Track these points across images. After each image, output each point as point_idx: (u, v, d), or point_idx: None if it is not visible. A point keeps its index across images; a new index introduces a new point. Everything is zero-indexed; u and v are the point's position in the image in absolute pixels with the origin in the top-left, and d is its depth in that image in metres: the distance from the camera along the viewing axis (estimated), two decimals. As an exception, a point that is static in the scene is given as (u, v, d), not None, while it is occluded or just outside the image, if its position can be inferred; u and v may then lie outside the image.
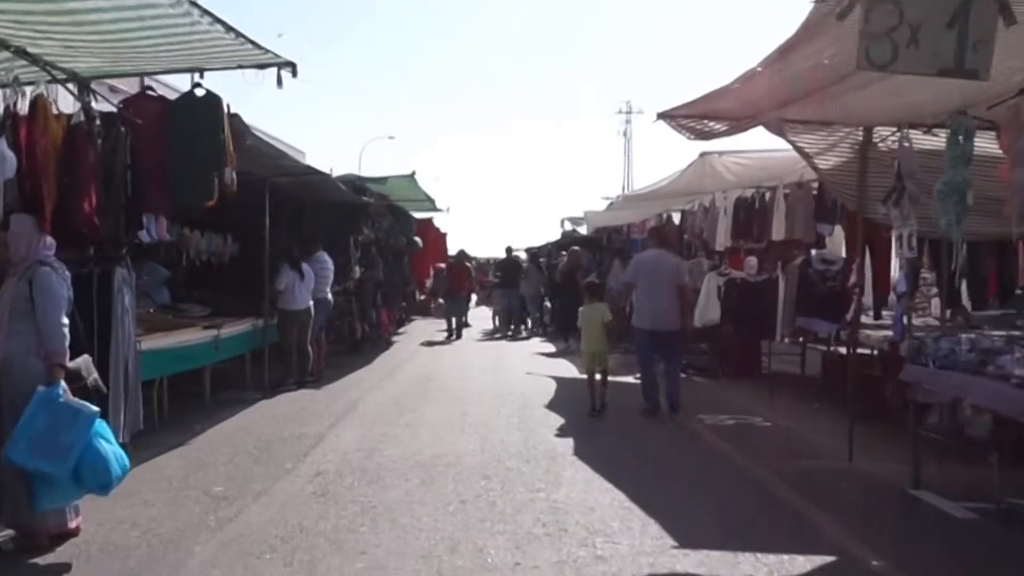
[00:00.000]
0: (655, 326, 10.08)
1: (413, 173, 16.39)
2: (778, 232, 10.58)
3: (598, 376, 10.53)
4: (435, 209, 22.59)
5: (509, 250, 24.23)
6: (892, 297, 8.54)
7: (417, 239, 24.10)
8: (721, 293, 12.43)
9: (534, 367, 15.33)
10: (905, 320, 7.00)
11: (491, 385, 13.00)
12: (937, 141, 6.79)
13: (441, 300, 21.76)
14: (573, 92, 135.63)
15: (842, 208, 9.12)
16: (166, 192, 7.18)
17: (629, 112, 62.99)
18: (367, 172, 21.48)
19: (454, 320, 20.76)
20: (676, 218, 16.23)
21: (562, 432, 9.30)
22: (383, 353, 17.29)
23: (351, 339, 16.57)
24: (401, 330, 23.42)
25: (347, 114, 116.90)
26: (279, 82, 6.45)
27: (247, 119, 8.02)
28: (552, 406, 11.10)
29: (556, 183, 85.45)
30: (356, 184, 16.48)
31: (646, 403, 10.39)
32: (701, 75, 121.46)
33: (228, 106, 7.27)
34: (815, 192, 9.88)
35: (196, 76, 6.96)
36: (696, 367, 14.45)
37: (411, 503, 6.31)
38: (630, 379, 12.63)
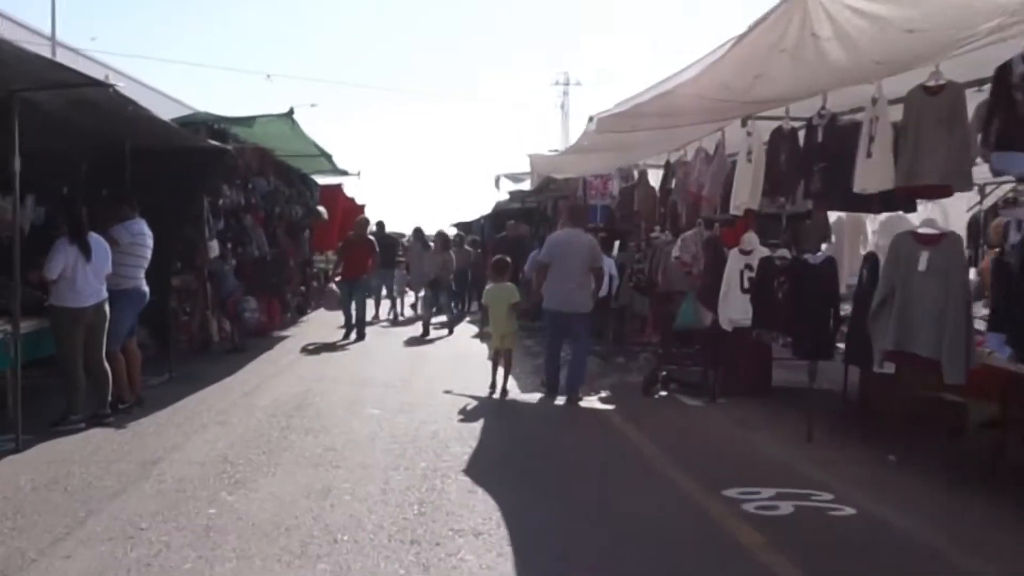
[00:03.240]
0: (565, 307, 9.70)
1: (291, 111, 11.79)
2: (879, 177, 6.11)
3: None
4: (336, 169, 18.00)
5: (381, 225, 19.78)
6: None
7: (321, 208, 19.55)
8: (744, 282, 8.20)
9: (458, 380, 10.99)
10: None
11: (389, 418, 8.65)
12: None
13: (333, 286, 16.90)
14: (508, 61, 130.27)
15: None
16: None
17: (567, 84, 58.78)
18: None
19: (354, 314, 15.47)
20: (654, 177, 11.92)
21: (499, 545, 5.00)
22: (256, 359, 12.74)
23: (203, 342, 12.03)
24: (303, 319, 18.86)
25: (272, 85, 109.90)
26: None
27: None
28: (480, 464, 6.83)
29: (492, 156, 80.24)
30: (213, 127, 11.93)
31: (546, 380, 10.19)
32: (646, 50, 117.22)
33: None
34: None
35: None
36: (682, 382, 10.32)
37: None
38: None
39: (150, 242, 9.09)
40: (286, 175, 16.75)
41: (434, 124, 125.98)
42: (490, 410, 9.19)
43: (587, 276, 9.67)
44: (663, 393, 10.29)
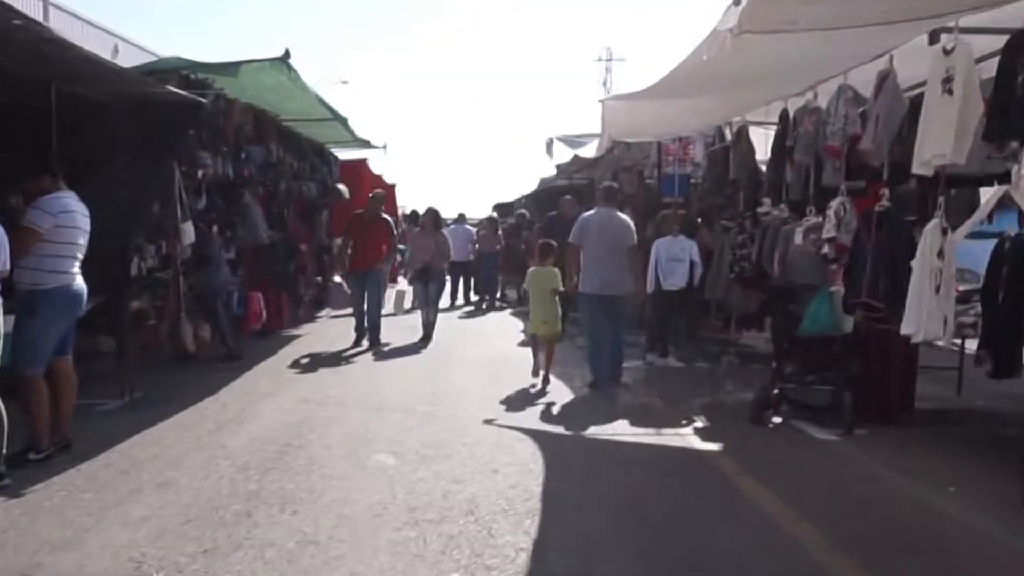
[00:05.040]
0: (603, 290, 9.04)
1: (286, 55, 9.14)
2: None
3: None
4: (357, 139, 15.38)
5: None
6: None
7: (342, 187, 16.92)
8: (936, 276, 5.44)
9: (498, 397, 8.53)
10: None
11: (405, 471, 6.05)
12: None
13: (338, 279, 13.94)
14: (547, 36, 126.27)
15: None
16: None
17: (610, 60, 55.80)
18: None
19: (366, 313, 12.42)
20: (758, 135, 9.15)
21: None
22: (250, 370, 10.20)
23: (179, 352, 9.52)
24: (319, 314, 16.16)
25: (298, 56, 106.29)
26: None
27: None
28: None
29: (533, 132, 76.71)
30: (189, 77, 9.38)
31: (595, 378, 9.19)
32: (691, 22, 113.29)
33: None
34: None
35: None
36: (802, 404, 7.69)
37: None
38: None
39: (84, 222, 6.57)
40: (296, 145, 14.20)
41: (468, 99, 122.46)
42: (549, 452, 6.56)
43: (623, 256, 9.07)
44: (777, 420, 7.67)
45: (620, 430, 7.42)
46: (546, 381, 9.31)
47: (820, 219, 7.23)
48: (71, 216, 6.44)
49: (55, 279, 6.30)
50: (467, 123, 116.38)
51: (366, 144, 16.39)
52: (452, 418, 7.78)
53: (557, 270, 9.68)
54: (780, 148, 8.10)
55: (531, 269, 10.05)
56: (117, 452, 6.49)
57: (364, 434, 7.13)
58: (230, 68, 9.29)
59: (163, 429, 7.30)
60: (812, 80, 7.25)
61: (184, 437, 7.03)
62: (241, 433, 7.18)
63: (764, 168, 9.46)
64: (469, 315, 17.91)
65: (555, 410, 8.18)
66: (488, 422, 7.60)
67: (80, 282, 6.53)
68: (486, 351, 11.86)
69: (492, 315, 17.68)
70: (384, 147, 17.90)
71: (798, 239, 7.35)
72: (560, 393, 8.97)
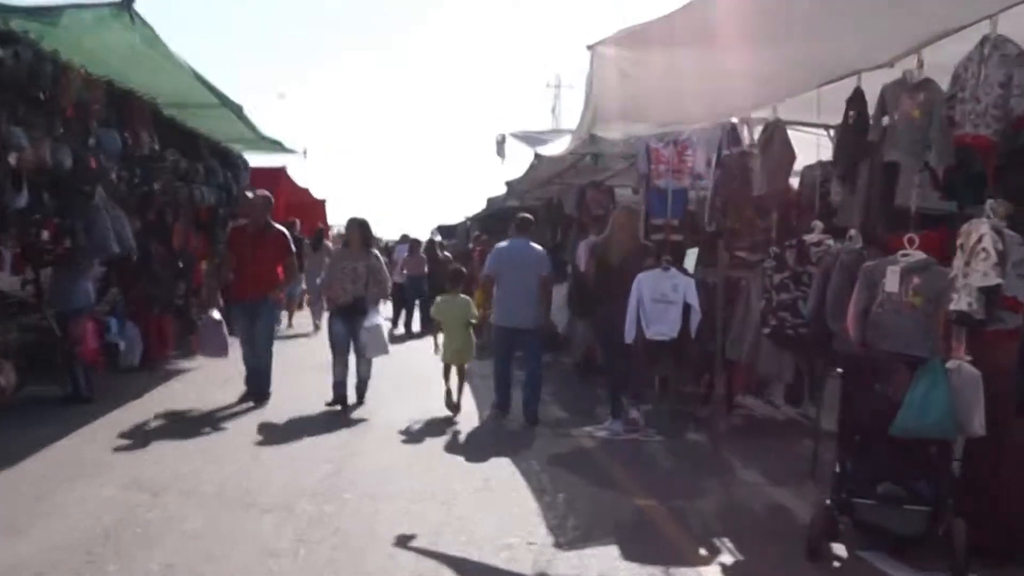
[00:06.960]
0: (516, 323, 8.81)
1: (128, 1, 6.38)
2: None
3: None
4: (261, 138, 12.64)
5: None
6: None
7: (251, 195, 14.08)
8: None
9: (425, 487, 5.88)
10: None
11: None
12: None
13: (215, 314, 10.14)
14: (496, 61, 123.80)
15: None
16: None
17: (558, 86, 53.60)
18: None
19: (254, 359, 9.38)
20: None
21: None
22: (87, 425, 7.49)
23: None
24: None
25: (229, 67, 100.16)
26: None
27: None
28: None
29: (478, 157, 74.26)
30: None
31: (497, 401, 8.97)
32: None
33: None
34: None
35: None
36: (877, 527, 5.14)
37: None
38: None
39: None
40: (186, 141, 11.47)
41: (413, 120, 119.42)
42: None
43: (536, 289, 8.80)
44: (840, 551, 5.11)
45: (610, 569, 4.76)
46: (457, 409, 9.06)
47: (923, 255, 4.79)
48: None
49: None
50: (411, 145, 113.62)
51: (279, 146, 13.68)
52: (348, 531, 5.07)
53: (469, 299, 9.56)
54: (853, 146, 5.55)
55: (440, 298, 9.60)
56: None
57: (199, 562, 4.41)
58: (51, 13, 6.50)
59: None
60: (925, 33, 4.75)
61: None
62: (1, 554, 4.43)
63: (797, 184, 7.05)
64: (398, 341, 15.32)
65: (511, 521, 5.44)
66: (405, 542, 4.92)
67: None
68: (413, 408, 8.99)
69: (418, 346, 14.77)
70: (304, 152, 15.38)
71: (891, 284, 4.82)
72: (519, 490, 6.28)
